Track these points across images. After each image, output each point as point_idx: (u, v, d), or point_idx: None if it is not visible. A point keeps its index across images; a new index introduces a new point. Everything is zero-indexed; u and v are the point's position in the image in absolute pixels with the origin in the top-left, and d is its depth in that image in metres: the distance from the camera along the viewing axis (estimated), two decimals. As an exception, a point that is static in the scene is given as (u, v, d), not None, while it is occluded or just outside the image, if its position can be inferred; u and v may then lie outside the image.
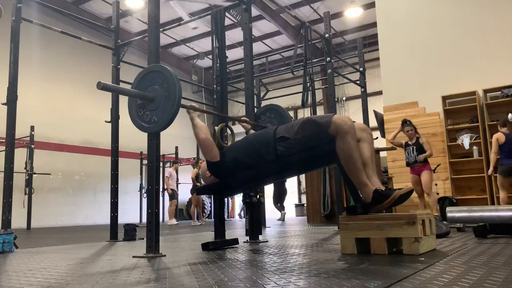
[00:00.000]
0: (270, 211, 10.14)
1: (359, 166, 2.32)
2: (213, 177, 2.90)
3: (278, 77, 13.18)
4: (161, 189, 10.40)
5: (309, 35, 5.62)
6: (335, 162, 2.49)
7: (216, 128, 3.33)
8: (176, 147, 13.99)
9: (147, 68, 2.81)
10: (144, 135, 2.85)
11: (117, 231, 4.51)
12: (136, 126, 2.78)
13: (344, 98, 15.85)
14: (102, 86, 2.47)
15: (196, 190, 8.87)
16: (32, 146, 9.78)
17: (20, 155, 7.73)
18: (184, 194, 13.61)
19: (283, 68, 8.95)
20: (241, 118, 3.54)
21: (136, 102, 2.78)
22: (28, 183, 9.70)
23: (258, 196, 3.64)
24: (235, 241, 3.36)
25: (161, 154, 3.51)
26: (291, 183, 17.03)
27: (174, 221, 10.24)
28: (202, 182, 3.30)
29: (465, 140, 7.01)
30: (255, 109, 4.39)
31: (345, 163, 2.34)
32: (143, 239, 4.13)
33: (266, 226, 6.95)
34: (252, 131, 3.48)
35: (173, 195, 10.69)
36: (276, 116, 3.98)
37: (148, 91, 2.71)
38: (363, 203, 2.35)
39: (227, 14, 4.08)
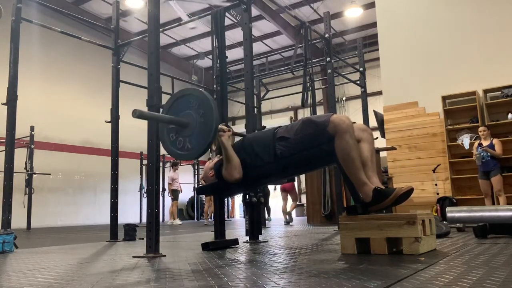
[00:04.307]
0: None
1: (357, 165, 2.32)
2: (215, 177, 2.88)
3: (278, 77, 13.17)
4: (161, 189, 10.40)
5: (309, 35, 5.62)
6: (335, 162, 2.49)
7: None
8: (176, 147, 13.98)
9: (182, 91, 2.63)
10: (144, 135, 2.85)
11: (117, 231, 4.51)
12: (168, 151, 2.62)
13: (344, 98, 15.85)
14: (138, 115, 2.30)
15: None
16: (32, 146, 9.78)
17: (20, 155, 7.73)
18: (184, 194, 13.62)
19: (283, 68, 8.94)
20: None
21: (167, 125, 2.60)
22: (28, 183, 9.70)
23: (258, 196, 3.64)
24: (235, 241, 3.36)
25: (161, 154, 3.51)
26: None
27: (178, 221, 10.26)
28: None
29: (465, 140, 7.01)
30: (255, 109, 4.38)
31: (343, 162, 2.34)
32: (143, 239, 4.13)
33: (267, 226, 6.95)
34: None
35: (176, 196, 10.70)
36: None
37: (181, 115, 2.52)
38: (363, 203, 2.35)
39: (227, 14, 4.07)
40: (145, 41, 3.20)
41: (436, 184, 7.00)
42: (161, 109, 2.74)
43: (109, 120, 4.73)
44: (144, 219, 3.59)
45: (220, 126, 2.61)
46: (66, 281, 1.78)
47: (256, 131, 3.81)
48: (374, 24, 10.15)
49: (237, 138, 3.05)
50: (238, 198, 15.83)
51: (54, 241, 5.36)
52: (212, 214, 10.64)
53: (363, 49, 7.80)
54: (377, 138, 5.59)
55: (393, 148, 7.22)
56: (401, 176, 7.58)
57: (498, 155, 6.33)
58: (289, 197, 8.70)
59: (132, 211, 13.13)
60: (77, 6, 12.88)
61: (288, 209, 8.53)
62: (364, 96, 7.11)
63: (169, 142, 2.59)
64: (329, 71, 5.54)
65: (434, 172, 7.02)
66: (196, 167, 14.58)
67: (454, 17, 7.75)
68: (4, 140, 3.59)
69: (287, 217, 8.46)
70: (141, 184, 13.65)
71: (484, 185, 6.41)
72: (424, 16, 8.07)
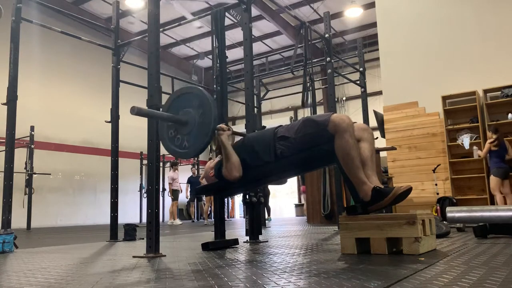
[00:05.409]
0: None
1: (357, 164, 2.31)
2: (215, 177, 2.88)
3: (278, 77, 13.19)
4: (161, 189, 10.43)
5: (309, 35, 5.62)
6: (335, 161, 2.48)
7: None
8: (176, 147, 13.98)
9: (182, 89, 2.65)
10: (144, 135, 2.85)
11: (117, 231, 4.51)
12: (166, 148, 2.63)
13: (344, 98, 15.85)
14: (136, 112, 2.30)
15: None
16: (32, 146, 9.78)
17: (20, 155, 7.73)
18: (184, 194, 13.60)
19: (283, 68, 8.94)
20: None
21: (167, 123, 2.61)
22: (28, 183, 9.70)
23: (258, 196, 3.64)
24: (235, 241, 3.36)
25: (161, 154, 3.51)
26: (291, 183, 17.02)
27: (178, 221, 10.28)
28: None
29: (465, 140, 7.02)
30: (255, 109, 4.38)
31: (343, 161, 2.34)
32: (143, 239, 4.13)
33: (266, 226, 6.95)
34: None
35: (176, 196, 10.72)
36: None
37: (181, 113, 2.52)
38: (362, 202, 2.35)
39: (227, 14, 4.07)
40: (145, 41, 3.20)
41: (436, 184, 7.00)
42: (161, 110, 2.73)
43: (109, 120, 4.73)
44: (144, 219, 3.59)
45: (220, 125, 2.60)
46: (66, 281, 1.78)
47: (256, 131, 3.81)
48: (374, 24, 10.15)
49: (237, 138, 3.05)
50: (238, 198, 15.82)
51: (54, 241, 5.36)
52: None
53: (363, 49, 7.80)
54: (377, 138, 5.61)
55: (393, 148, 7.22)
56: (401, 176, 7.58)
57: (479, 157, 6.65)
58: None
59: (132, 211, 13.13)
60: (77, 6, 12.88)
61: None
62: (364, 96, 7.11)
63: (168, 139, 2.59)
64: (329, 71, 5.54)
65: (434, 172, 7.02)
66: (196, 167, 14.57)
67: (454, 17, 7.75)
68: (4, 140, 3.60)
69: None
70: (141, 184, 13.65)
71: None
72: (424, 16, 8.07)
